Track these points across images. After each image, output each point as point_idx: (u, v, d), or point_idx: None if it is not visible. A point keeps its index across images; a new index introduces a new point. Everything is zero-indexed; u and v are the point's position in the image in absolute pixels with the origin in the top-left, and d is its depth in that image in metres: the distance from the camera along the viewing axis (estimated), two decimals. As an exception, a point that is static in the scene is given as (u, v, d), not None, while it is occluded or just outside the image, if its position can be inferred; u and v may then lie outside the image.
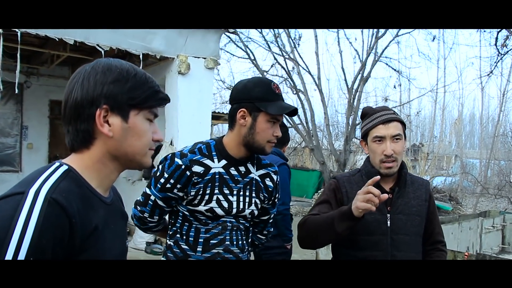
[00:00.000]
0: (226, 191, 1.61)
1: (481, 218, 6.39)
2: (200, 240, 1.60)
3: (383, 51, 11.20)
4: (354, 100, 11.06)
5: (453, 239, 5.55)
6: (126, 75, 0.94)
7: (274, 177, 1.77)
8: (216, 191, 1.59)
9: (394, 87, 12.93)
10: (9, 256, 0.76)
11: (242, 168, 1.66)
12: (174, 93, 5.39)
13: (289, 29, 10.91)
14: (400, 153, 1.72)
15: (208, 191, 1.58)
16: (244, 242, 1.69)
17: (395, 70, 12.04)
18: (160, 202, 1.61)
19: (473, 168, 19.29)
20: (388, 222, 1.70)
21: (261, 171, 1.73)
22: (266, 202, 1.76)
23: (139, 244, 5.70)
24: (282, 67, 11.48)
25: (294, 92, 11.62)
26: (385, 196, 1.46)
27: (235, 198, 1.62)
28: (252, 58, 11.16)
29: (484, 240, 6.31)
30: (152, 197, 1.62)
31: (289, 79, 11.58)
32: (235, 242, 1.64)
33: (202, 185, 1.57)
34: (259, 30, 11.02)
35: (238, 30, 9.33)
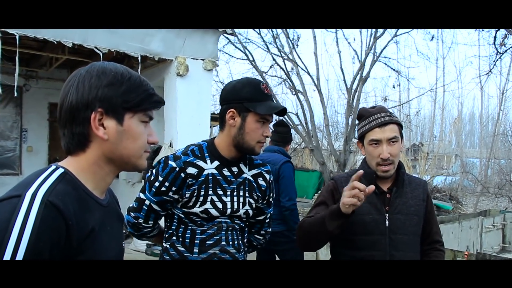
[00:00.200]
0: (220, 192, 1.61)
1: (481, 217, 6.40)
2: (196, 241, 1.60)
3: (381, 51, 11.20)
4: (354, 100, 11.06)
5: (453, 238, 5.55)
6: (120, 79, 0.95)
7: (267, 176, 1.77)
8: (210, 192, 1.60)
9: (393, 87, 12.93)
10: (6, 258, 0.76)
11: (234, 169, 1.66)
12: (173, 95, 5.39)
13: (288, 30, 10.92)
14: (396, 156, 1.73)
15: (202, 193, 1.58)
16: (240, 242, 1.70)
17: (394, 70, 12.04)
18: (155, 206, 1.61)
19: (473, 167, 19.29)
20: (387, 222, 1.70)
21: (254, 171, 1.74)
22: (260, 201, 1.76)
23: (139, 246, 5.70)
24: (281, 68, 11.48)
25: (293, 93, 11.62)
26: (372, 187, 1.47)
27: (229, 198, 1.63)
28: (251, 59, 11.16)
29: (485, 239, 6.31)
30: (147, 202, 1.61)
31: (288, 80, 11.57)
32: (231, 242, 1.65)
33: (196, 186, 1.58)
34: (258, 31, 11.03)
35: (236, 31, 9.34)
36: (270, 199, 1.82)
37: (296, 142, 15.73)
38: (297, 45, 11.36)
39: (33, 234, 0.78)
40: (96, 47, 4.82)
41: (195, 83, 5.49)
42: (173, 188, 1.57)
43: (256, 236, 1.88)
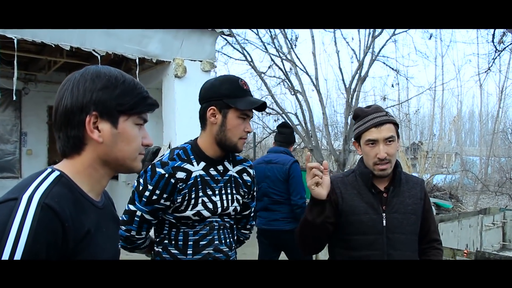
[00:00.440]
0: (209, 192, 1.62)
1: (481, 216, 6.38)
2: (189, 243, 1.60)
3: (380, 50, 11.21)
4: (352, 99, 11.06)
5: (453, 237, 5.54)
6: (114, 82, 0.96)
7: (251, 171, 1.78)
8: (201, 193, 1.60)
9: (392, 86, 12.91)
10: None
11: (220, 167, 1.67)
12: (171, 97, 5.40)
13: (286, 30, 10.92)
14: (393, 155, 1.72)
15: (193, 195, 1.58)
16: (232, 240, 1.71)
17: (392, 69, 12.04)
18: (147, 216, 1.59)
19: (473, 165, 19.28)
20: (384, 222, 1.70)
21: (238, 167, 1.74)
22: (246, 197, 1.78)
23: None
24: (280, 68, 11.48)
25: (292, 93, 11.63)
26: (325, 163, 1.54)
27: (218, 197, 1.64)
28: (249, 60, 11.17)
29: (485, 237, 6.29)
30: (138, 213, 1.58)
31: (287, 80, 11.58)
32: (223, 241, 1.66)
33: (186, 190, 1.57)
34: (256, 31, 11.04)
35: (234, 32, 9.34)
36: (254, 193, 1.84)
37: (296, 142, 15.73)
38: (295, 45, 11.37)
39: (30, 236, 0.79)
40: (94, 50, 4.84)
41: (193, 85, 5.50)
42: (165, 195, 1.55)
43: (242, 231, 1.90)
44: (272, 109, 12.19)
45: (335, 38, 11.45)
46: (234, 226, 1.77)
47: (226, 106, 1.57)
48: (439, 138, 18.04)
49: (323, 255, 4.19)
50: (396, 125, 1.77)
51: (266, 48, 11.30)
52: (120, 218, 1.64)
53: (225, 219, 1.68)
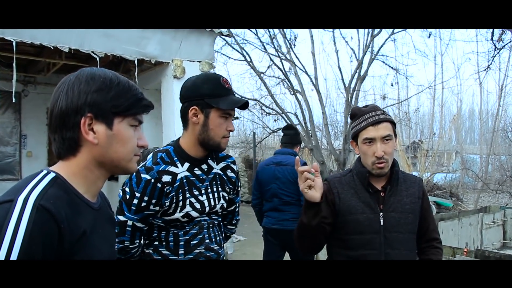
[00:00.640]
0: (196, 192, 1.61)
1: (481, 214, 6.37)
2: (180, 243, 1.59)
3: (379, 49, 11.20)
4: (352, 99, 11.06)
5: (453, 235, 5.53)
6: (109, 84, 0.96)
7: (234, 167, 1.79)
8: (188, 195, 1.59)
9: (392, 85, 12.91)
10: None
11: (204, 166, 1.66)
12: (170, 97, 5.40)
13: (285, 30, 10.92)
14: (391, 154, 1.73)
15: (180, 197, 1.57)
16: (221, 237, 1.72)
17: (392, 68, 12.03)
18: (138, 224, 1.56)
19: (474, 163, 19.26)
20: (381, 221, 1.71)
21: (221, 164, 1.74)
22: (232, 193, 1.78)
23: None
24: (279, 68, 11.48)
25: (292, 92, 11.63)
26: (315, 165, 1.55)
27: (204, 197, 1.63)
28: (249, 60, 11.17)
29: (485, 235, 6.29)
30: (129, 222, 1.55)
31: (286, 80, 11.58)
32: (213, 239, 1.66)
33: (173, 193, 1.56)
34: (255, 31, 11.04)
35: (233, 32, 9.35)
36: (239, 189, 1.85)
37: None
38: (294, 45, 11.37)
39: (26, 238, 0.79)
40: (92, 52, 4.84)
41: (192, 85, 5.50)
42: (153, 201, 1.53)
43: (228, 227, 1.90)
44: (272, 109, 12.19)
45: (334, 37, 11.46)
46: (221, 223, 1.78)
47: (208, 106, 1.55)
48: (439, 137, 18.03)
49: (323, 254, 4.20)
50: (393, 124, 1.77)
51: (265, 48, 11.30)
52: None
53: (213, 217, 1.68)
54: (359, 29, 10.96)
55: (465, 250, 3.98)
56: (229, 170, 1.76)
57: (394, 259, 1.68)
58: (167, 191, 1.55)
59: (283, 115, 11.76)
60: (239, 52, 11.08)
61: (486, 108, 25.03)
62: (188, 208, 1.59)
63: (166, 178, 1.55)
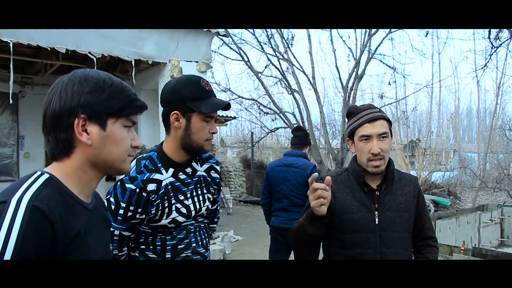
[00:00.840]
0: (181, 197, 1.60)
1: (478, 212, 6.36)
2: (168, 247, 1.59)
3: (376, 48, 11.24)
4: (350, 98, 11.09)
5: (450, 234, 5.53)
6: (102, 85, 0.97)
7: (217, 167, 1.78)
8: (173, 201, 1.57)
9: (389, 83, 12.96)
10: None
11: (188, 170, 1.65)
12: (167, 98, 5.40)
13: (282, 30, 10.94)
14: (387, 151, 1.72)
15: (166, 204, 1.56)
16: (207, 239, 1.72)
17: (389, 66, 12.07)
18: (125, 233, 1.55)
19: (472, 162, 19.30)
20: (376, 220, 1.70)
21: (205, 166, 1.73)
22: (215, 193, 1.78)
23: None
24: (276, 67, 11.51)
25: (289, 92, 11.65)
26: (328, 179, 1.51)
27: (190, 201, 1.63)
28: (246, 59, 11.19)
29: (483, 234, 6.28)
30: (116, 232, 1.53)
31: (284, 80, 11.61)
32: (200, 243, 1.66)
33: (159, 200, 1.54)
34: (252, 31, 11.05)
35: (230, 32, 9.35)
36: (221, 188, 1.85)
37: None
38: (291, 44, 11.39)
39: (19, 238, 0.80)
40: (89, 52, 4.84)
41: (190, 86, 5.50)
42: (139, 210, 1.51)
43: (211, 225, 1.90)
44: (270, 108, 12.20)
45: (331, 36, 11.51)
46: (207, 224, 1.78)
47: (190, 110, 1.52)
48: (437, 135, 18.06)
49: (320, 253, 4.21)
50: (389, 122, 1.77)
51: (262, 48, 11.32)
52: None
53: (199, 220, 1.68)
54: (357, 29, 10.97)
55: (462, 248, 3.99)
56: (213, 171, 1.75)
57: (389, 258, 1.68)
58: (153, 199, 1.53)
59: (281, 114, 11.78)
60: (237, 52, 11.10)
61: (483, 106, 25.15)
62: (174, 214, 1.57)
63: (151, 187, 1.53)
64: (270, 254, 3.81)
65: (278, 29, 10.79)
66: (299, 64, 11.59)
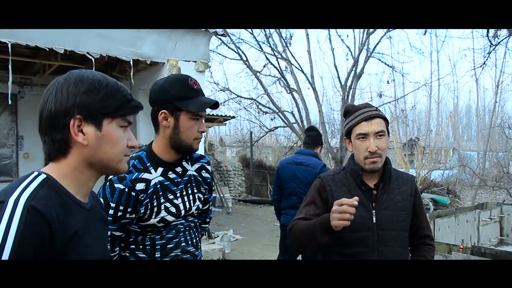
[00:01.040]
0: (171, 197, 1.60)
1: (478, 210, 6.36)
2: (157, 246, 1.59)
3: (375, 47, 11.26)
4: (348, 97, 11.10)
5: (449, 232, 5.53)
6: (97, 86, 0.97)
7: (208, 167, 1.78)
8: (162, 200, 1.58)
9: (388, 82, 12.98)
10: None
11: (178, 169, 1.65)
12: (166, 98, 5.41)
13: (280, 29, 10.94)
14: (384, 149, 1.73)
15: (155, 203, 1.56)
16: (198, 239, 1.72)
17: (388, 65, 12.08)
18: (116, 233, 1.55)
19: (471, 160, 19.31)
20: (374, 218, 1.71)
21: (196, 165, 1.74)
22: (207, 193, 1.78)
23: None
24: (275, 67, 11.53)
25: (288, 91, 11.66)
26: (356, 198, 1.48)
27: (180, 200, 1.63)
28: (244, 59, 11.19)
29: (482, 232, 6.28)
30: (108, 232, 1.51)
31: (282, 79, 11.61)
32: (190, 242, 1.66)
33: (148, 199, 1.55)
34: (250, 30, 11.06)
35: (229, 31, 9.35)
36: (213, 188, 1.85)
37: (293, 140, 15.75)
38: (290, 43, 11.40)
39: (17, 238, 0.80)
40: (88, 53, 4.84)
41: (188, 85, 5.50)
42: (129, 209, 1.52)
43: (202, 225, 1.90)
44: (269, 108, 12.21)
45: (329, 35, 11.50)
46: (198, 223, 1.78)
47: (178, 109, 1.53)
48: (436, 134, 18.07)
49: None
50: (386, 121, 1.78)
51: (261, 47, 11.33)
52: None
53: (189, 219, 1.68)
54: (355, 29, 10.98)
55: (461, 246, 3.99)
56: (204, 171, 1.75)
57: (387, 256, 1.69)
58: (142, 198, 1.53)
59: (280, 113, 11.78)
60: (235, 52, 11.11)
61: (482, 104, 25.15)
62: (163, 213, 1.58)
63: (140, 186, 1.54)
64: (280, 253, 3.87)
65: (276, 29, 10.80)
66: (298, 63, 11.60)
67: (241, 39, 12.14)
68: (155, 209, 1.56)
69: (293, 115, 11.70)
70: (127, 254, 1.61)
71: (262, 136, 15.80)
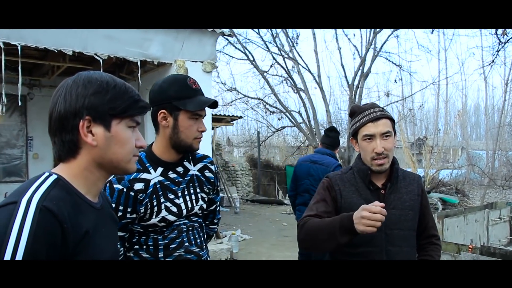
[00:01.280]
0: (171, 196, 1.61)
1: (487, 210, 6.30)
2: (160, 247, 1.60)
3: (382, 46, 11.20)
4: (356, 96, 11.06)
5: (458, 232, 5.49)
6: (106, 87, 0.99)
7: (212, 167, 1.78)
8: (162, 199, 1.58)
9: (395, 81, 12.90)
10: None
11: (179, 169, 1.65)
12: (173, 98, 5.43)
13: (287, 29, 10.94)
14: (390, 150, 1.73)
15: (155, 203, 1.57)
16: (202, 239, 1.72)
17: (395, 64, 12.01)
18: (119, 234, 1.55)
19: (480, 159, 19.13)
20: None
21: (199, 165, 1.73)
22: (211, 193, 1.78)
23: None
24: (282, 66, 11.52)
25: (295, 91, 11.65)
26: (382, 204, 1.47)
27: (181, 200, 1.63)
28: (251, 59, 11.20)
29: (491, 232, 6.22)
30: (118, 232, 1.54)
31: (289, 78, 11.60)
32: (193, 242, 1.66)
33: (147, 199, 1.56)
34: (257, 30, 11.06)
35: (236, 31, 9.37)
36: (218, 188, 1.84)
37: (300, 140, 15.73)
38: (296, 43, 11.38)
39: (30, 238, 0.82)
40: (95, 54, 4.88)
41: (195, 86, 5.52)
42: (129, 209, 1.53)
43: (210, 226, 1.91)
44: (276, 107, 12.20)
45: (336, 35, 11.46)
46: (203, 224, 1.78)
47: (176, 109, 1.54)
48: (445, 133, 17.93)
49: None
50: (392, 121, 1.78)
51: (267, 47, 11.33)
52: None
53: (193, 219, 1.68)
54: (362, 28, 10.93)
55: (470, 246, 3.96)
56: (207, 171, 1.75)
57: (395, 256, 1.69)
58: (141, 198, 1.54)
59: (287, 113, 11.77)
60: (242, 52, 11.12)
61: (491, 103, 24.90)
62: (164, 213, 1.58)
63: (138, 186, 1.55)
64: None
65: (283, 29, 10.79)
66: (305, 63, 11.58)
67: (248, 39, 12.17)
68: (155, 208, 1.57)
69: (300, 115, 11.68)
70: (132, 254, 1.62)
71: (270, 136, 15.80)
